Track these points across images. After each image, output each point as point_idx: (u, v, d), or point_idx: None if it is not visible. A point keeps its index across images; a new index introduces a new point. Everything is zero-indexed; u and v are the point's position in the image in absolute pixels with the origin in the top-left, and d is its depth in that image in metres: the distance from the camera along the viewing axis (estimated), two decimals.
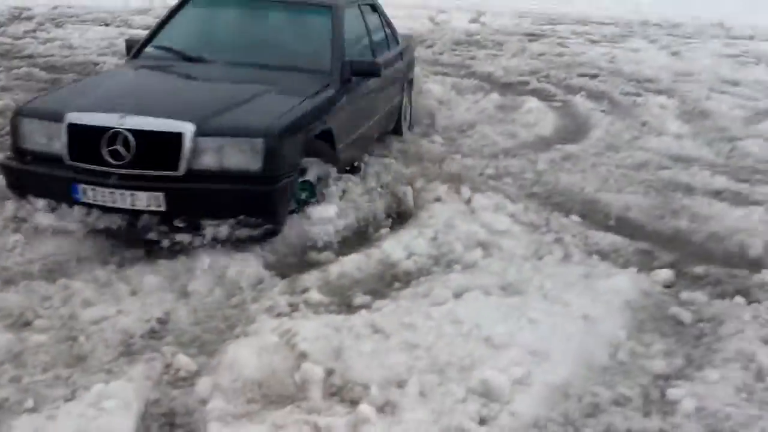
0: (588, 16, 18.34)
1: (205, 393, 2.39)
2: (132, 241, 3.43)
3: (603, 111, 7.22)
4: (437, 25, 16.36)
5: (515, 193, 4.56)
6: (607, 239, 3.92)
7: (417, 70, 6.94)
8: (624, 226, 4.20)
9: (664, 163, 5.44)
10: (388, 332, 2.75)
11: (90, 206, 3.33)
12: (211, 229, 3.31)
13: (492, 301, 3.04)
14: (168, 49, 4.39)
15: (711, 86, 8.77)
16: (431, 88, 7.29)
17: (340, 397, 2.42)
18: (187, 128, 3.25)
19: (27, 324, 2.79)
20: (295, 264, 3.47)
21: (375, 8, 5.56)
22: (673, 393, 2.53)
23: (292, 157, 3.47)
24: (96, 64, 8.47)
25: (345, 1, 4.80)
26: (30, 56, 8.95)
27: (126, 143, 3.25)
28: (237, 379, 2.45)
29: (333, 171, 3.88)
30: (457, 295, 3.07)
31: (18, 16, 12.30)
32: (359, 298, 3.09)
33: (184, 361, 2.57)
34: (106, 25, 12.60)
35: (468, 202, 4.22)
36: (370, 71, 4.39)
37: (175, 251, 3.35)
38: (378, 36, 5.38)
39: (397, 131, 5.71)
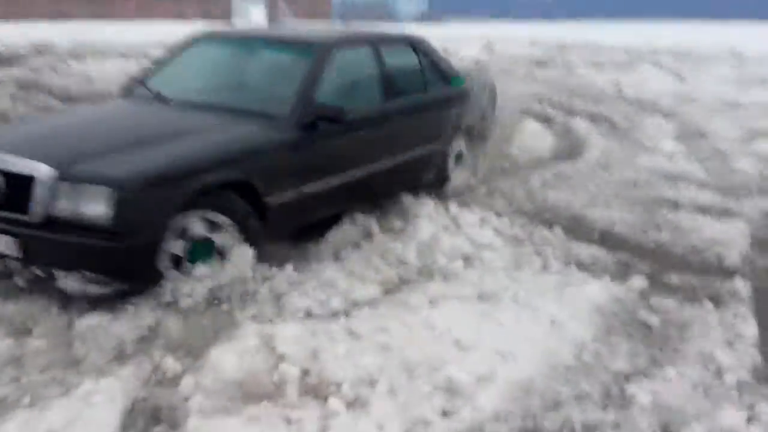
0: (599, 44, 18.58)
1: (188, 391, 2.57)
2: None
3: (600, 133, 7.38)
4: (450, 54, 16.71)
5: (502, 209, 4.72)
6: (587, 251, 4.06)
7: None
8: (607, 239, 4.33)
9: (654, 181, 5.57)
10: (363, 336, 2.91)
11: None
12: (63, 281, 3.08)
13: (466, 307, 3.19)
14: (147, 89, 4.27)
15: (712, 108, 8.90)
16: None
17: (314, 394, 2.58)
18: (41, 170, 3.03)
19: None
20: None
21: (416, 48, 5.03)
22: (631, 389, 2.65)
23: (161, 211, 3.07)
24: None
25: (345, 40, 4.46)
26: (49, 88, 9.35)
27: None
28: (218, 379, 2.63)
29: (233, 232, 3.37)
30: (433, 303, 3.23)
31: (40, 51, 12.78)
32: (337, 305, 3.25)
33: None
34: (125, 57, 13.06)
35: (454, 218, 4.39)
36: (333, 117, 3.84)
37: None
38: (406, 78, 4.82)
39: (441, 182, 5.08)
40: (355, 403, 2.50)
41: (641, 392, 2.63)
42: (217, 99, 4.09)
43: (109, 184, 2.96)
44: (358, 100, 4.37)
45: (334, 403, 2.47)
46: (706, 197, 5.14)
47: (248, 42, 4.65)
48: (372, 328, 2.97)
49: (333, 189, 4.00)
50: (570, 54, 16.22)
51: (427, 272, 3.70)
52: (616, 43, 18.05)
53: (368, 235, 4.12)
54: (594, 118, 8.17)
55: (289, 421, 2.40)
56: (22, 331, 2.98)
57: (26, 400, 2.51)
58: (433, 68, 5.13)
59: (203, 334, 3.04)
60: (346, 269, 3.64)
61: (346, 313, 3.17)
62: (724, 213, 4.79)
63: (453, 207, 4.56)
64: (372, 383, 2.61)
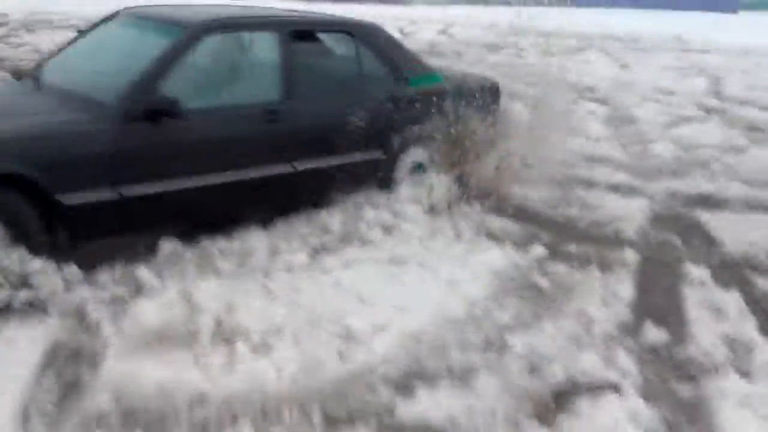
0: (553, 30, 19.03)
1: (108, 336, 2.82)
2: None
3: (532, 116, 7.72)
4: (405, 36, 16.97)
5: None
6: (499, 224, 4.39)
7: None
8: (520, 213, 4.67)
9: (575, 162, 5.94)
10: (276, 293, 3.19)
11: None
12: None
13: (375, 269, 3.49)
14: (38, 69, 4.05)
15: (645, 95, 9.34)
16: None
17: (225, 342, 2.85)
18: None
19: None
20: None
21: (358, 37, 4.37)
22: (510, 339, 2.99)
23: None
24: None
25: (232, 24, 3.94)
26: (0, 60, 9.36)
27: None
28: (137, 327, 2.88)
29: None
30: (346, 265, 3.53)
31: None
32: (258, 266, 3.51)
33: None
34: (78, 30, 12.99)
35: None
36: (166, 111, 3.38)
37: None
38: (328, 73, 4.33)
39: (383, 186, 4.40)
40: (260, 349, 2.79)
41: (518, 342, 2.96)
42: (70, 81, 3.74)
43: None
44: (239, 96, 3.84)
45: (241, 348, 2.76)
46: (619, 177, 5.52)
47: (137, 21, 4.17)
48: (286, 287, 3.25)
49: (178, 194, 3.49)
50: (522, 38, 16.61)
51: (346, 239, 3.98)
52: (568, 29, 18.47)
53: None
54: (530, 103, 8.52)
55: (198, 363, 2.67)
56: None
57: None
58: (381, 63, 4.41)
59: None
60: (271, 236, 3.89)
61: (265, 274, 3.44)
62: (631, 191, 5.17)
63: None
64: (279, 332, 2.89)
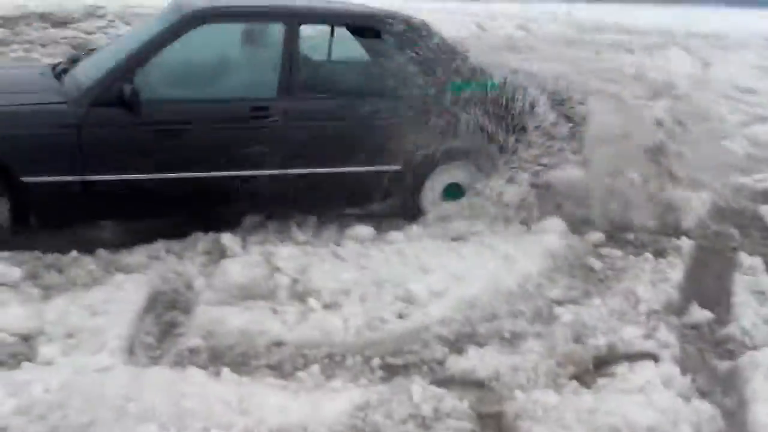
0: (635, 27, 18.68)
1: (199, 288, 3.24)
2: None
3: (606, 111, 7.79)
4: (485, 31, 17.07)
5: None
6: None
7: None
8: (579, 200, 4.82)
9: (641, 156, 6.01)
10: (346, 258, 3.53)
11: None
12: None
13: (437, 244, 3.78)
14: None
15: (724, 94, 9.20)
16: None
17: (298, 298, 3.22)
18: None
19: None
20: None
21: (388, 34, 3.95)
22: (558, 311, 3.22)
23: None
24: None
25: (228, 13, 3.85)
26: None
27: None
28: (225, 281, 3.29)
29: None
30: (410, 239, 3.83)
31: (92, 13, 13.58)
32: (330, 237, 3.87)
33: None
34: None
35: None
36: (124, 102, 3.37)
37: None
38: (341, 72, 4.14)
39: (409, 215, 4.05)
40: (330, 305, 3.13)
41: (566, 313, 3.20)
42: (83, 69, 3.84)
43: None
44: (222, 90, 3.71)
45: (313, 303, 3.11)
46: (685, 171, 5.58)
47: (168, 11, 4.04)
48: (354, 254, 3.59)
49: (140, 184, 3.52)
50: (603, 35, 16.42)
51: (412, 218, 4.26)
52: (651, 26, 18.13)
53: None
54: (605, 99, 8.56)
55: (275, 312, 3.04)
56: None
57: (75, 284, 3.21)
58: (411, 64, 3.93)
59: None
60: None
61: (336, 243, 3.79)
62: (695, 185, 5.24)
63: None
64: (346, 292, 3.23)
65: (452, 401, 2.55)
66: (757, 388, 2.58)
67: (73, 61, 4.22)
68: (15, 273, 3.22)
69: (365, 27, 4.07)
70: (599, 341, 2.98)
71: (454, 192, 4.17)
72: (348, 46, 4.24)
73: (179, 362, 2.73)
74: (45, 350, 2.65)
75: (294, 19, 3.81)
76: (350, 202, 4.01)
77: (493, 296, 3.29)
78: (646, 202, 4.46)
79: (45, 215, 3.49)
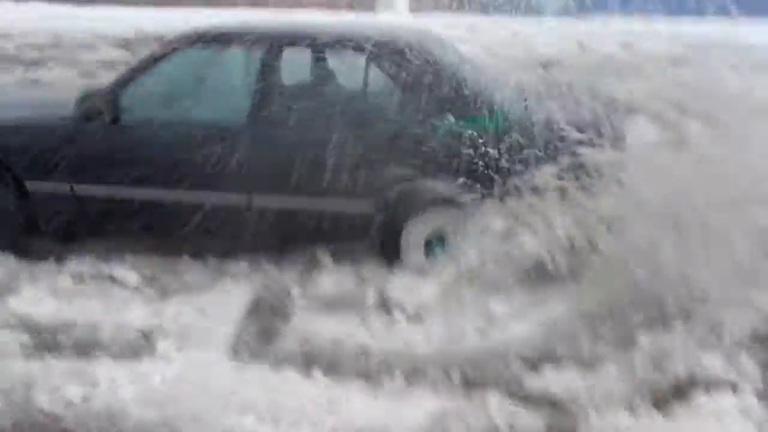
0: (751, 44, 17.85)
1: (297, 296, 3.54)
2: None
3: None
4: (585, 50, 16.86)
5: None
6: None
7: None
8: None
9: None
10: (430, 277, 3.72)
11: None
12: None
13: None
14: None
15: None
16: None
17: (385, 311, 3.44)
18: None
19: None
20: None
21: (387, 55, 3.60)
22: (639, 336, 3.27)
23: None
24: None
25: (212, 37, 3.84)
26: None
27: None
28: (320, 291, 3.57)
29: None
30: None
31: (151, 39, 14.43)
32: None
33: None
34: None
35: None
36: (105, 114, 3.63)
37: None
38: (323, 96, 3.70)
39: (386, 259, 3.69)
40: (414, 319, 3.36)
41: (647, 339, 3.24)
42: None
43: None
44: (195, 112, 3.74)
45: (398, 316, 3.35)
46: None
47: None
48: (438, 272, 3.77)
49: (120, 202, 3.72)
50: (714, 52, 15.81)
51: None
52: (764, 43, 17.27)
53: None
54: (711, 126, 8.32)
55: (363, 324, 3.29)
56: None
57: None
58: (404, 92, 3.57)
59: None
60: None
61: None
62: None
63: None
64: (430, 308, 3.43)
65: (528, 418, 2.69)
66: None
67: None
68: (132, 277, 3.65)
69: (337, 47, 3.72)
70: (679, 368, 3.01)
71: (436, 245, 3.67)
72: (327, 71, 3.93)
73: (277, 363, 3.02)
74: (162, 345, 3.02)
75: (276, 41, 3.73)
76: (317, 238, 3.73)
77: (575, 320, 3.38)
78: None
79: (46, 221, 3.82)
